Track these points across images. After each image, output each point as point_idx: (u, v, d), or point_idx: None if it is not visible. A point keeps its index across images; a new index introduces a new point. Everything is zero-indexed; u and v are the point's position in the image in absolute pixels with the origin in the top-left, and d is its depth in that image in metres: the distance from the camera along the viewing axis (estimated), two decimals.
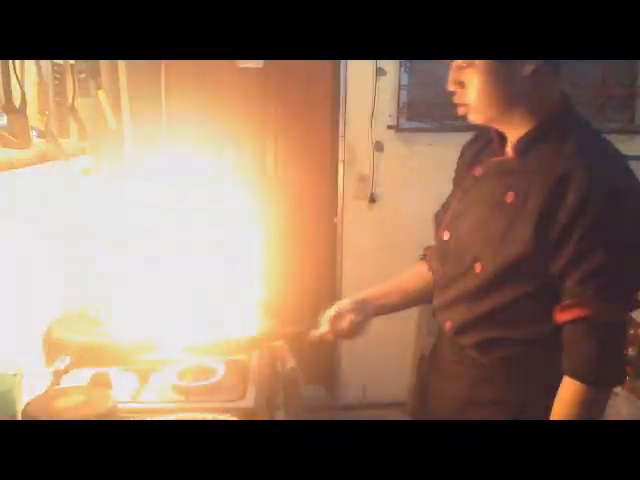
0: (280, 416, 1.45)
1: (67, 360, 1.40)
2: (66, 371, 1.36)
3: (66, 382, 1.32)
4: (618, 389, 2.21)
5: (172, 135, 2.85)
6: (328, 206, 2.97)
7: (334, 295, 2.98)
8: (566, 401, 0.98)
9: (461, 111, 1.09)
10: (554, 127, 1.03)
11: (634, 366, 2.36)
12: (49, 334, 1.46)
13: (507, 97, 1.04)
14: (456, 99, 1.09)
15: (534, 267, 1.00)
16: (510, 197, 1.03)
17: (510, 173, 1.06)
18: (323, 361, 3.11)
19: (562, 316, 0.98)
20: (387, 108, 2.81)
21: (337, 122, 2.84)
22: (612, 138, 3.17)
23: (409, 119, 2.83)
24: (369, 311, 1.28)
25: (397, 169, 2.86)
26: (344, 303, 1.29)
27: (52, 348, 1.43)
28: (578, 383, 0.97)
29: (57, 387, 1.29)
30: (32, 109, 1.48)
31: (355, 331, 1.27)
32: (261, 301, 1.78)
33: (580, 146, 1.00)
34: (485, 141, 1.18)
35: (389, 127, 2.82)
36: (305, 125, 2.91)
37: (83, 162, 1.81)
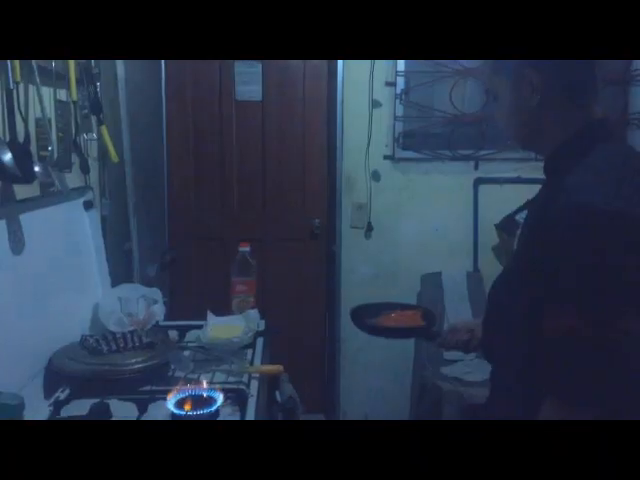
0: None
1: (67, 391, 1.42)
2: (66, 401, 1.38)
3: (66, 412, 1.34)
4: None
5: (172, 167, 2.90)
6: (326, 234, 3.00)
7: (333, 323, 3.00)
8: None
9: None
10: (567, 153, 1.01)
11: None
12: (49, 364, 1.48)
13: (521, 125, 1.06)
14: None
15: None
16: None
17: None
18: (323, 389, 3.11)
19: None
20: (383, 139, 2.86)
21: (334, 152, 2.90)
22: None
23: (405, 149, 2.89)
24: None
25: (394, 198, 2.90)
26: (462, 322, 1.40)
27: (52, 379, 1.45)
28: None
29: (57, 418, 1.30)
30: (35, 145, 1.53)
31: (463, 348, 1.36)
32: (259, 330, 1.81)
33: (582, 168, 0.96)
34: None
35: (385, 157, 2.88)
36: (303, 155, 2.96)
37: (87, 195, 1.86)
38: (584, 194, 0.90)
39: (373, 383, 3.01)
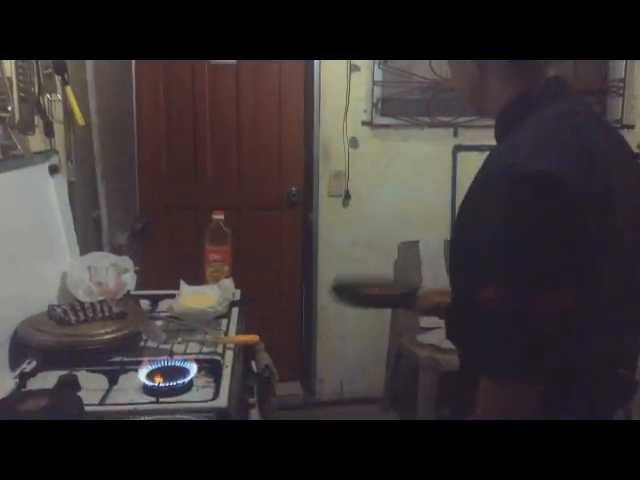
0: (254, 415, 1.44)
1: (33, 362, 1.36)
2: (32, 374, 1.32)
3: (33, 385, 1.28)
4: None
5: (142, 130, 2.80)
6: (303, 203, 2.95)
7: (310, 293, 2.97)
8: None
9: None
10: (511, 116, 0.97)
11: None
12: (15, 335, 1.42)
13: (470, 91, 1.02)
14: None
15: None
16: None
17: None
18: (299, 357, 3.10)
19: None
20: (361, 104, 2.80)
21: (311, 119, 2.82)
22: None
23: (383, 115, 2.83)
24: None
25: (372, 165, 2.86)
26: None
27: (18, 350, 1.39)
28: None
29: (23, 390, 1.25)
30: None
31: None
32: (234, 299, 1.77)
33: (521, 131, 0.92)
34: None
35: (363, 123, 2.82)
36: (279, 121, 2.88)
37: (51, 160, 1.77)
38: (508, 157, 0.85)
39: (349, 351, 3.00)
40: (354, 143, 2.84)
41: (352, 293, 1.38)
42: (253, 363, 1.63)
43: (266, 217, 2.96)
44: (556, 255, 0.83)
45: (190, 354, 1.41)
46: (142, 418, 1.05)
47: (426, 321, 2.60)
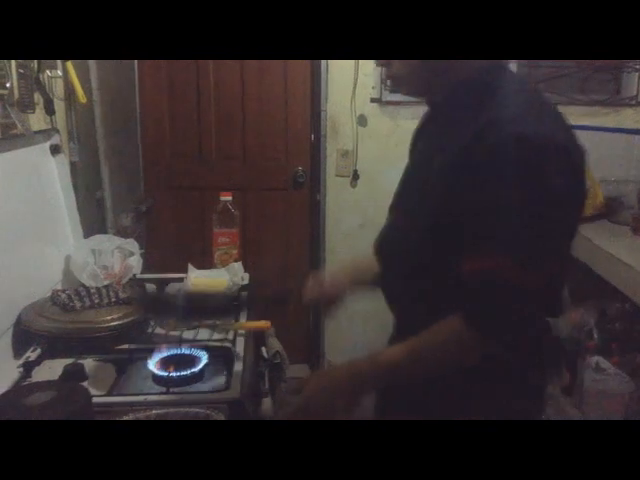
0: (267, 403, 1.39)
1: (38, 350, 1.32)
2: (37, 362, 1.27)
3: (37, 374, 1.24)
4: (607, 364, 2.19)
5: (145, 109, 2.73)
6: (310, 183, 2.88)
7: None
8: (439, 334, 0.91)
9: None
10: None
11: (621, 341, 2.35)
12: (18, 322, 1.37)
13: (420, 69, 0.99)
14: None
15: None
16: None
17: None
18: (307, 340, 3.06)
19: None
20: (370, 81, 2.72)
21: (318, 96, 2.74)
22: (597, 111, 3.13)
23: (393, 92, 2.75)
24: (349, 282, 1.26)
25: (381, 144, 2.78)
26: (330, 272, 1.30)
27: (21, 337, 1.35)
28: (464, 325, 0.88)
29: (28, 382, 1.20)
30: None
31: (332, 305, 1.27)
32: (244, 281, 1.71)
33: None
34: None
35: (372, 100, 2.74)
36: (285, 98, 2.80)
37: (53, 139, 1.71)
38: (520, 126, 0.84)
39: (358, 333, 2.96)
40: (362, 121, 2.76)
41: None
42: (263, 349, 1.58)
43: (272, 198, 2.90)
44: (574, 220, 0.91)
45: (200, 341, 1.36)
46: (153, 410, 1.00)
47: None
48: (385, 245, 1.12)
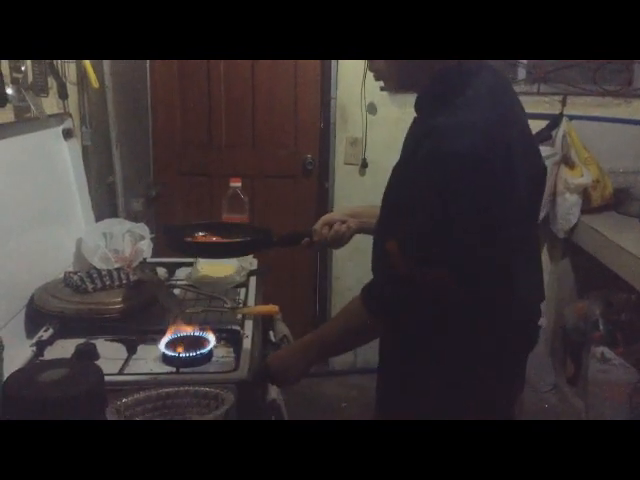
0: (273, 386, 1.42)
1: (50, 330, 1.34)
2: (49, 342, 1.30)
3: (50, 353, 1.27)
4: (612, 355, 2.20)
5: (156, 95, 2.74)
6: (319, 170, 2.89)
7: (325, 262, 2.94)
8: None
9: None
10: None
11: (626, 331, 2.35)
12: (31, 302, 1.39)
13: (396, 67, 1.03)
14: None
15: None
16: None
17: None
18: (314, 326, 3.08)
19: None
20: None
21: (328, 83, 2.75)
22: (608, 101, 3.10)
23: None
24: (355, 224, 1.34)
25: (390, 132, 2.78)
26: (334, 213, 1.38)
27: (34, 317, 1.37)
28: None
29: (41, 359, 1.23)
30: (7, 65, 1.39)
31: (338, 240, 1.33)
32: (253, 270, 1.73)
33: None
34: None
35: (382, 88, 2.73)
36: (295, 86, 2.81)
37: (66, 123, 1.72)
38: (448, 142, 0.89)
39: None
40: (372, 109, 2.76)
41: (180, 240, 1.31)
42: (271, 333, 1.60)
43: (281, 185, 2.91)
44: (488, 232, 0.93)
45: (209, 324, 1.38)
46: (162, 389, 1.02)
47: None
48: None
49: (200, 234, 1.36)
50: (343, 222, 1.31)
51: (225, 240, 1.35)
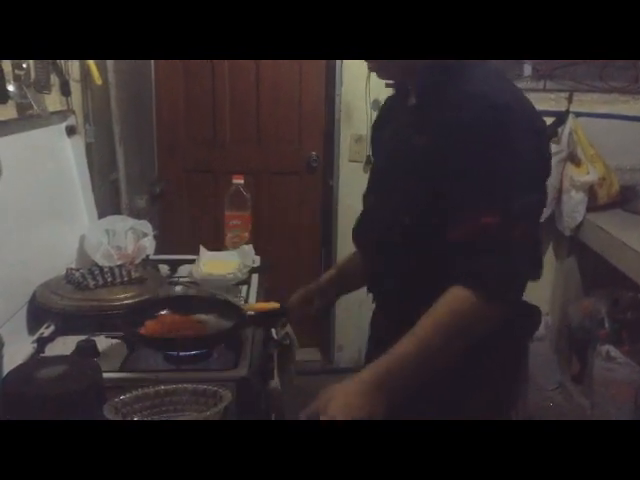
0: (274, 384, 1.41)
1: (52, 327, 1.35)
2: (51, 338, 1.30)
3: (51, 350, 1.27)
4: (617, 353, 2.19)
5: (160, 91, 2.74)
6: (323, 167, 2.89)
7: (329, 259, 2.93)
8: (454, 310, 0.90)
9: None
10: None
11: (632, 330, 2.34)
12: (32, 299, 1.40)
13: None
14: None
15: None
16: None
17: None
18: (318, 324, 3.08)
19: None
20: None
21: (332, 80, 2.74)
22: (615, 98, 3.07)
23: None
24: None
25: None
26: (310, 287, 1.38)
27: (36, 314, 1.38)
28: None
29: (40, 356, 1.23)
30: (8, 61, 1.39)
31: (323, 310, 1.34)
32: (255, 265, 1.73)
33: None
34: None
35: (387, 85, 2.72)
36: (299, 82, 2.80)
37: (69, 120, 1.73)
38: (494, 97, 0.94)
39: (368, 318, 2.96)
40: (377, 106, 2.75)
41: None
42: (273, 330, 1.60)
43: (285, 182, 2.91)
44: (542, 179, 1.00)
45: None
46: (162, 386, 1.02)
47: None
48: (365, 231, 1.21)
49: (162, 313, 1.29)
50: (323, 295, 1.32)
51: (195, 335, 1.24)
